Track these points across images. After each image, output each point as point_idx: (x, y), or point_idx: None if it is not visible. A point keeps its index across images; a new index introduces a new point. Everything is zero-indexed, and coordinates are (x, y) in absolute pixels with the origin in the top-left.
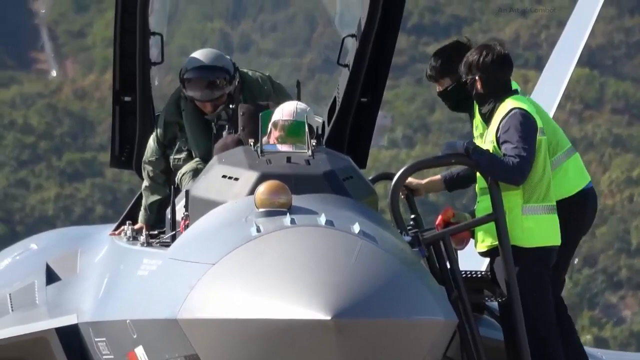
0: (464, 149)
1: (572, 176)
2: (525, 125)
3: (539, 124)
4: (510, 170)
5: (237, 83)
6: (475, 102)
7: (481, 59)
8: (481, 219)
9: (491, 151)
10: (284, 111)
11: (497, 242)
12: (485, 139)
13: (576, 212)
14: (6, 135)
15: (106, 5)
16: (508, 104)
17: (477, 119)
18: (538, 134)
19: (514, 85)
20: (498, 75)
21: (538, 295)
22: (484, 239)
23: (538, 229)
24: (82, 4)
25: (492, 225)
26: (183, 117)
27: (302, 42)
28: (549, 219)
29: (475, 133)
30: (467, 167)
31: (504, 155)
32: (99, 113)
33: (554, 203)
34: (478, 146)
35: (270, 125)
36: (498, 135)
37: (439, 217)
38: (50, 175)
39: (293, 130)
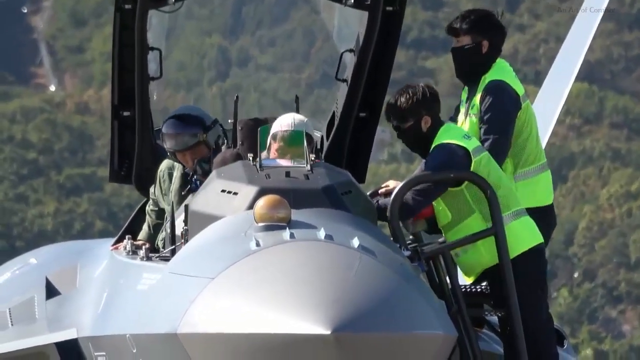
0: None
1: (541, 191)
2: (501, 98)
3: (520, 92)
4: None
5: (218, 136)
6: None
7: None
8: (480, 233)
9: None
10: (282, 122)
11: (476, 272)
12: (468, 119)
13: (527, 270)
14: (5, 149)
15: (105, 20)
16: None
17: (464, 94)
18: (520, 106)
19: (521, 90)
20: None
21: (534, 300)
22: (473, 269)
23: (514, 237)
24: (81, 19)
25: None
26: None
27: (300, 57)
28: (521, 222)
29: (461, 109)
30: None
31: (483, 138)
32: (98, 128)
33: (521, 206)
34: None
35: (269, 139)
36: (480, 105)
37: None
38: (49, 190)
39: (293, 140)
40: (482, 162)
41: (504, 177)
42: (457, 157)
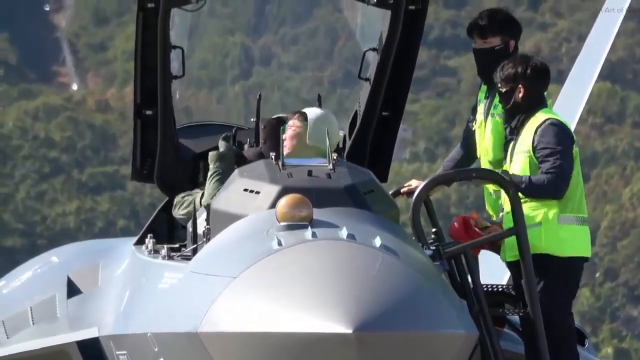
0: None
1: (579, 241)
2: (562, 138)
3: (573, 135)
4: (550, 186)
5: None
6: (506, 111)
7: (527, 69)
8: (502, 233)
9: (524, 161)
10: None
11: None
12: (516, 149)
13: (569, 276)
14: (28, 148)
15: (127, 19)
16: (540, 116)
17: (482, 94)
18: (574, 145)
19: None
20: (539, 87)
21: (563, 306)
22: (513, 250)
23: (572, 239)
24: (103, 17)
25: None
26: None
27: (323, 56)
28: (582, 230)
29: (479, 109)
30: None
31: (542, 170)
32: (120, 126)
33: (586, 215)
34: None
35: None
36: (535, 144)
37: (460, 219)
38: (71, 189)
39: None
40: (576, 156)
41: (580, 178)
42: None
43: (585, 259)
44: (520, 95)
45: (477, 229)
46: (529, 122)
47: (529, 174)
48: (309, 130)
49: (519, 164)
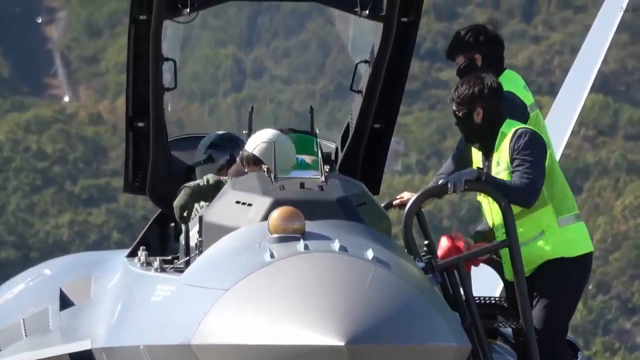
0: (475, 175)
1: (582, 239)
2: (532, 146)
3: (545, 139)
4: (521, 192)
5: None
6: (465, 135)
7: (483, 89)
8: (495, 245)
9: (507, 179)
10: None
11: (532, 267)
12: (496, 170)
13: (576, 274)
14: (20, 160)
15: (119, 31)
16: (506, 131)
17: None
18: (547, 149)
19: (529, 100)
20: (497, 105)
21: (570, 303)
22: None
23: (577, 237)
24: (95, 30)
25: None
26: None
27: (315, 68)
28: (582, 226)
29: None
30: (454, 168)
31: (514, 179)
32: (112, 138)
33: (578, 211)
34: (485, 174)
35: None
36: (511, 156)
37: (448, 242)
38: (63, 201)
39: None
40: (553, 158)
41: (563, 177)
42: (545, 148)
43: (591, 254)
44: (480, 117)
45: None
46: (501, 142)
47: None
48: (276, 160)
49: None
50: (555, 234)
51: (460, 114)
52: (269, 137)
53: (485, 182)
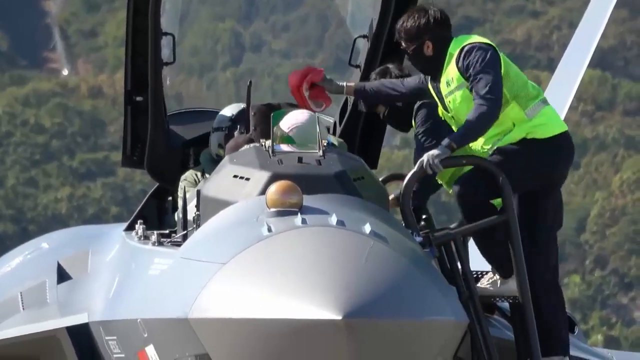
0: (449, 148)
1: (551, 119)
2: (481, 55)
3: (493, 44)
4: (485, 115)
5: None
6: (419, 70)
7: (429, 21)
8: (491, 219)
9: (462, 96)
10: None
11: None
12: (449, 88)
13: (552, 153)
14: (18, 134)
15: (118, 5)
16: (453, 52)
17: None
18: (500, 54)
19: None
20: (445, 34)
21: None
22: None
23: (548, 120)
24: (94, 4)
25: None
26: None
27: (314, 43)
28: (549, 110)
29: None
30: (381, 89)
31: (475, 97)
32: (111, 112)
33: (543, 95)
34: (454, 138)
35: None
36: (467, 74)
37: (303, 77)
38: (62, 175)
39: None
40: (504, 60)
41: (517, 71)
42: (497, 55)
43: (567, 132)
44: (430, 49)
45: (307, 96)
46: (448, 63)
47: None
48: (298, 133)
49: (462, 100)
50: (524, 126)
51: (410, 50)
52: (303, 119)
53: (461, 143)
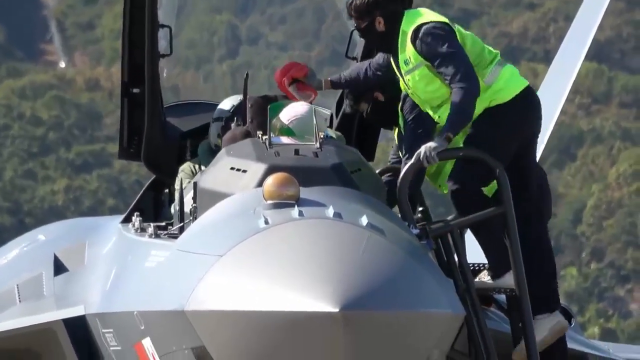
0: (447, 140)
1: (509, 81)
2: (438, 37)
3: (446, 20)
4: (467, 96)
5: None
6: (373, 47)
7: None
8: (487, 212)
9: (422, 73)
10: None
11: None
12: (408, 67)
13: (518, 113)
14: (15, 126)
15: None
16: (406, 28)
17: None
18: (453, 27)
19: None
20: (397, 8)
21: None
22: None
23: (507, 82)
24: None
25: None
26: None
27: (310, 35)
28: (506, 70)
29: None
30: (351, 74)
31: (451, 81)
32: (108, 105)
33: (499, 56)
34: (447, 129)
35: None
36: (422, 54)
37: (286, 72)
38: (58, 167)
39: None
40: (459, 33)
41: (472, 40)
42: (453, 32)
43: (529, 88)
44: (382, 25)
45: (290, 90)
46: (404, 42)
47: (436, 86)
48: (297, 124)
49: (420, 78)
50: (485, 92)
51: (362, 27)
52: (303, 111)
53: (452, 133)
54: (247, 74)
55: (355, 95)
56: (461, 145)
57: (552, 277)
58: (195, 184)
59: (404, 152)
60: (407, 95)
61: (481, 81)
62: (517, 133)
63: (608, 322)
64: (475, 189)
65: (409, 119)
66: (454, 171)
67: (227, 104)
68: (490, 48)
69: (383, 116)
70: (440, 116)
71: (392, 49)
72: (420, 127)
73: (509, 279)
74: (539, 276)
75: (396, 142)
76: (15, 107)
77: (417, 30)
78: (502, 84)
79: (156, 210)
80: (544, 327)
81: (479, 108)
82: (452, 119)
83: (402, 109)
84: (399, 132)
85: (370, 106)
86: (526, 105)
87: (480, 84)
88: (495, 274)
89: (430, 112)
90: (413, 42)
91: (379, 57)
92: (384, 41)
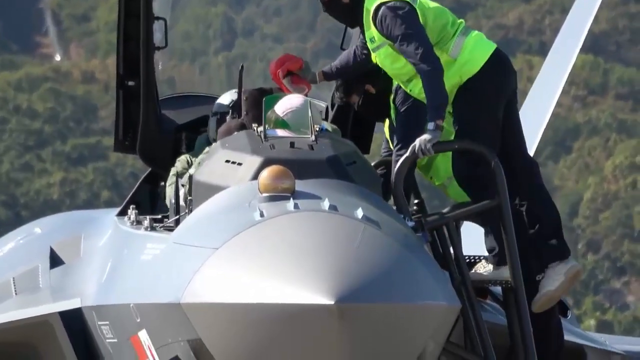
0: (438, 129)
1: (474, 51)
2: (398, 18)
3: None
4: (433, 75)
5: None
6: (343, 22)
7: None
8: (483, 204)
9: (386, 52)
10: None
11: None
12: (374, 44)
13: (491, 80)
14: (11, 119)
15: None
16: (369, 6)
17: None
18: (414, 5)
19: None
20: None
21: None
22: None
23: (472, 52)
24: None
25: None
26: None
27: (305, 27)
28: (470, 39)
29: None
30: (341, 62)
31: (413, 63)
32: (103, 97)
33: (462, 25)
34: (432, 117)
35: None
36: (390, 39)
37: (281, 64)
38: (54, 160)
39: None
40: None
41: (433, 14)
42: (413, 11)
43: (498, 50)
44: (346, 1)
45: (284, 82)
46: (368, 19)
47: (401, 63)
48: (292, 117)
49: (385, 56)
50: (452, 67)
51: (326, 1)
52: (298, 104)
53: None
54: (242, 67)
55: (346, 88)
56: (451, 131)
57: (560, 225)
58: (190, 176)
59: (395, 143)
60: (398, 87)
61: (446, 55)
62: (498, 99)
63: (604, 315)
64: (482, 172)
65: (401, 110)
66: (455, 160)
67: (226, 98)
68: (455, 18)
69: (374, 108)
70: (412, 89)
71: (358, 24)
72: (413, 118)
73: (504, 271)
74: (549, 222)
75: (386, 135)
76: (11, 99)
77: (377, 10)
78: (467, 55)
79: (152, 203)
80: (560, 273)
81: (450, 85)
82: (431, 104)
83: (394, 101)
84: (390, 124)
85: (362, 99)
86: (497, 70)
87: (442, 60)
88: (502, 260)
89: (402, 86)
90: (374, 21)
91: (363, 37)
92: (348, 15)
